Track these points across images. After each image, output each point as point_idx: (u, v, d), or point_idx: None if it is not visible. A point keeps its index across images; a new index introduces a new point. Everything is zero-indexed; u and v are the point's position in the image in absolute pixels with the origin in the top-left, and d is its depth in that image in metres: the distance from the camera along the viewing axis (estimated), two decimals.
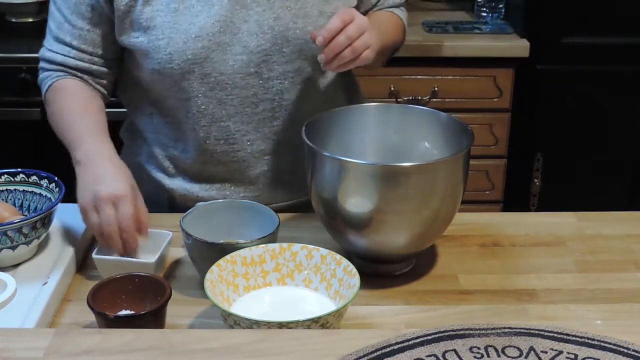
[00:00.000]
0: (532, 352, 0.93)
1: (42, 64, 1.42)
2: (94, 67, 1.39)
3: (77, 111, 1.36)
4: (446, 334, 0.95)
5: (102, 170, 1.23)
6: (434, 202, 1.16)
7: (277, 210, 1.23)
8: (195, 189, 1.43)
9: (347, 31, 1.23)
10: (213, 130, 1.38)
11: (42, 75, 1.42)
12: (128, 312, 1.09)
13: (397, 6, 1.53)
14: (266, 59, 1.34)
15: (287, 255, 1.15)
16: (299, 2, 1.34)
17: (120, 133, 1.53)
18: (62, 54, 1.38)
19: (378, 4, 1.50)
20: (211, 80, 1.34)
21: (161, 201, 1.46)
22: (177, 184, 1.44)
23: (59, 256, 1.22)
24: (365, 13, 1.45)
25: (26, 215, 1.23)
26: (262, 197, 1.40)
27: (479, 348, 0.93)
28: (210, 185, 1.43)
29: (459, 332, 0.96)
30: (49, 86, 1.39)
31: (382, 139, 1.32)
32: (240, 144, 1.39)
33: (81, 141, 1.29)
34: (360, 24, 1.25)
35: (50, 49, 1.40)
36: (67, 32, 1.37)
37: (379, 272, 1.22)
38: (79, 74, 1.39)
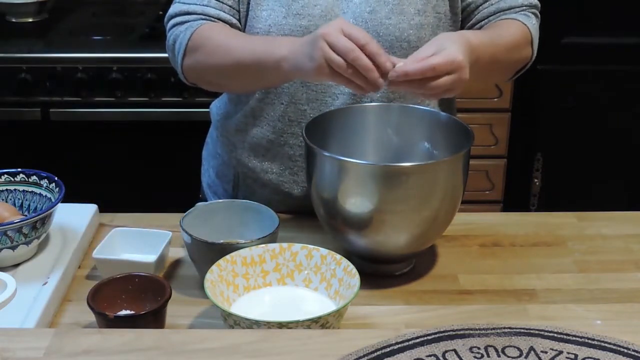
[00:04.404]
0: (532, 352, 0.93)
1: (175, 20, 1.35)
2: (234, 19, 1.35)
3: (242, 34, 1.31)
4: (446, 334, 0.95)
5: (306, 37, 1.18)
6: (434, 202, 1.16)
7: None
8: (257, 168, 1.42)
9: (437, 70, 1.12)
10: (289, 111, 1.36)
11: (177, 30, 1.34)
12: (128, 312, 1.09)
13: (524, 6, 1.38)
14: None
15: (287, 255, 1.15)
16: None
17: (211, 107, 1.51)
18: (202, 5, 1.33)
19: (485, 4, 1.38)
20: None
21: (228, 177, 1.46)
22: (242, 160, 1.43)
23: (59, 256, 1.22)
24: (471, 12, 1.38)
25: (26, 215, 1.23)
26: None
27: (479, 348, 0.93)
28: (271, 165, 1.40)
29: (459, 332, 0.96)
30: (192, 33, 1.30)
31: (382, 139, 1.32)
32: None
33: (273, 42, 1.24)
34: (461, 77, 1.14)
35: (185, 2, 1.34)
36: None
37: (379, 272, 1.22)
38: (221, 23, 1.33)
